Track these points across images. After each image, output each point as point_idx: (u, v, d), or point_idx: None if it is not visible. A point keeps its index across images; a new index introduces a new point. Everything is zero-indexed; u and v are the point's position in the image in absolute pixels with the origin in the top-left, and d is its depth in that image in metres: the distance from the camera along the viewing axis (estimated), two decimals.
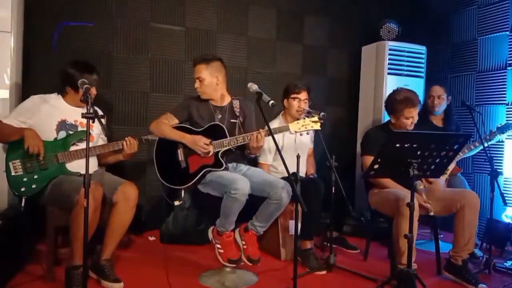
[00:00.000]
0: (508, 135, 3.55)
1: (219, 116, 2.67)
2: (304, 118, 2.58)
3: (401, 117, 2.75)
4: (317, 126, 2.49)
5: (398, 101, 2.75)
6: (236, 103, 2.72)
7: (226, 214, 2.37)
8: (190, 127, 2.64)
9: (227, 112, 2.69)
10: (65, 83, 2.47)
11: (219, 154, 2.53)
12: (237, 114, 2.70)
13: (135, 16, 3.53)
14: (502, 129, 3.23)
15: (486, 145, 2.98)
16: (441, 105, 3.37)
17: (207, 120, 2.64)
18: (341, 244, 3.28)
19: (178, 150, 2.58)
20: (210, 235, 2.55)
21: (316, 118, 2.49)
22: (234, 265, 2.46)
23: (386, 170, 2.21)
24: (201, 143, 2.49)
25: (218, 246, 2.47)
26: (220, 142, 2.52)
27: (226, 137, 2.54)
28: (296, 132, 2.55)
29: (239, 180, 2.30)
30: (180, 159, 2.58)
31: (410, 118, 2.73)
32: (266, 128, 2.39)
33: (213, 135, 2.55)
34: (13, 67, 2.76)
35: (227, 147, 2.53)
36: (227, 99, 2.73)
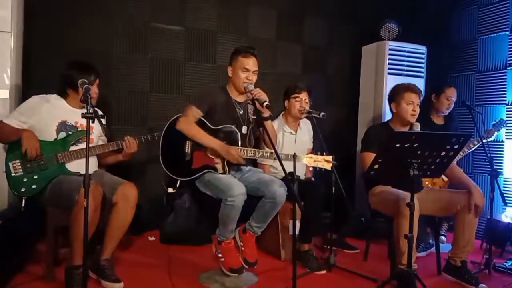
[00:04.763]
0: (508, 135, 3.57)
1: (241, 112, 2.61)
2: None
3: (402, 101, 2.75)
4: (328, 166, 2.47)
5: (400, 87, 2.81)
6: (251, 106, 2.65)
7: (225, 223, 2.36)
8: (206, 121, 2.55)
9: (248, 108, 2.65)
10: (65, 85, 2.48)
11: (226, 160, 2.49)
12: (252, 116, 2.65)
13: (135, 16, 3.53)
14: (497, 126, 3.29)
15: (485, 141, 3.01)
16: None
17: (229, 114, 2.57)
18: (341, 246, 3.28)
19: (187, 141, 2.55)
20: (214, 249, 2.54)
21: (329, 158, 2.47)
22: (236, 275, 2.43)
23: (387, 170, 2.21)
24: (235, 154, 2.41)
25: (220, 255, 2.46)
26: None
27: (238, 145, 2.50)
28: (308, 164, 2.51)
29: (235, 187, 2.29)
30: (186, 151, 2.55)
31: (411, 104, 2.72)
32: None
33: (226, 138, 2.52)
34: (13, 67, 2.76)
35: None
36: (244, 96, 2.66)
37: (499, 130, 3.32)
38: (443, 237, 3.40)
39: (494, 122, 3.35)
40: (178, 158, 2.55)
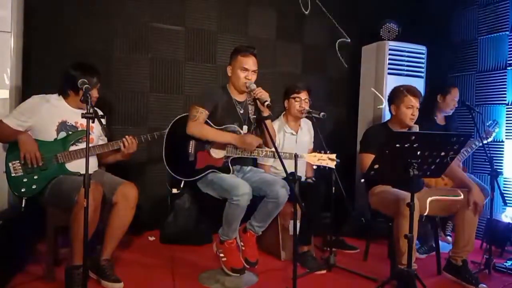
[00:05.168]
0: (508, 135, 3.59)
1: (241, 111, 2.60)
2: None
3: (401, 104, 2.74)
4: (332, 165, 2.51)
5: (400, 89, 2.80)
6: (251, 107, 2.66)
7: (229, 222, 2.36)
8: (209, 121, 2.55)
9: (248, 108, 2.65)
10: (66, 85, 2.47)
11: (229, 160, 2.50)
12: (253, 115, 2.65)
13: (135, 16, 3.53)
14: (492, 127, 3.36)
15: (485, 142, 3.05)
16: None
17: (230, 113, 2.57)
18: (340, 247, 3.28)
19: (190, 142, 2.55)
20: (214, 248, 2.54)
21: (333, 156, 2.50)
22: (238, 275, 2.43)
23: (386, 170, 2.21)
24: (252, 140, 2.44)
25: (221, 255, 2.45)
26: (234, 148, 2.50)
27: None
28: (312, 163, 2.54)
29: (240, 186, 2.29)
30: (190, 151, 2.55)
31: (410, 108, 2.72)
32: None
33: None
34: (13, 67, 2.75)
35: (239, 156, 2.51)
36: (244, 96, 2.66)
37: (494, 131, 3.35)
38: (449, 237, 3.41)
39: (488, 123, 3.38)
40: (182, 159, 2.55)
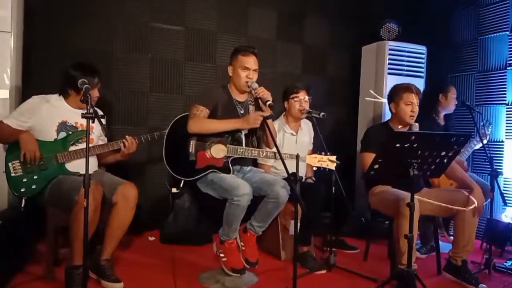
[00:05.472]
0: (508, 135, 3.59)
1: (242, 111, 2.60)
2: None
3: (400, 101, 2.76)
4: (332, 166, 2.52)
5: (399, 87, 2.82)
6: (252, 107, 2.66)
7: (229, 222, 2.36)
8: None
9: (249, 108, 2.65)
10: (67, 85, 2.47)
11: (230, 160, 2.49)
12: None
13: (135, 16, 3.53)
14: (487, 127, 3.40)
15: (485, 142, 3.09)
16: None
17: (230, 113, 2.56)
18: (341, 247, 3.28)
19: (191, 141, 2.55)
20: (215, 248, 2.54)
21: (333, 158, 2.51)
22: (239, 275, 2.43)
23: (386, 170, 2.21)
24: (254, 116, 2.41)
25: (222, 255, 2.45)
26: (235, 149, 2.49)
27: (242, 145, 2.50)
28: (312, 164, 2.56)
29: (241, 186, 2.29)
30: (190, 151, 2.54)
31: (409, 105, 2.74)
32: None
33: (230, 137, 2.52)
34: (13, 67, 2.75)
35: (240, 156, 2.50)
36: (245, 96, 2.67)
37: (488, 130, 3.38)
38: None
39: (482, 123, 3.41)
40: (182, 158, 2.55)
